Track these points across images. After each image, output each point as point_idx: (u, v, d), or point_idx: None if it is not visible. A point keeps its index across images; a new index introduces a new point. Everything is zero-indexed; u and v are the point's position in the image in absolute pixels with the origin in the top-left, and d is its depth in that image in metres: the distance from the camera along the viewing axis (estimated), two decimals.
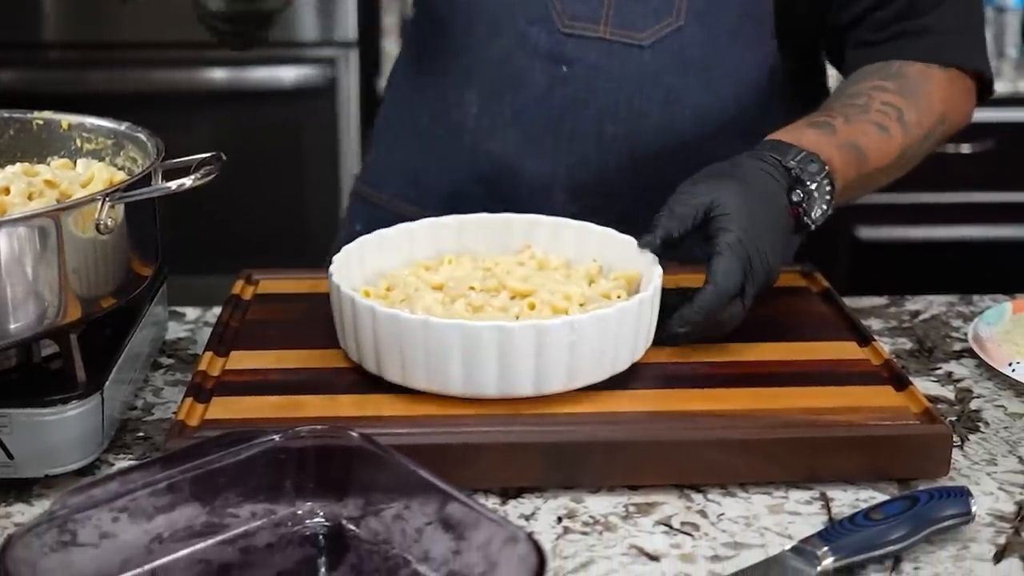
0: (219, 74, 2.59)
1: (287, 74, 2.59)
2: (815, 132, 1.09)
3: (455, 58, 1.27)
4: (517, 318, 0.96)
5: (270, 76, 2.60)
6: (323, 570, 0.80)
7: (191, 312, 1.21)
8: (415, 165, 1.32)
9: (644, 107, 1.20)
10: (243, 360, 0.99)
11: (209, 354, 0.99)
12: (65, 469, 0.88)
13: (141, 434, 0.97)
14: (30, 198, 0.95)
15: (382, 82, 2.16)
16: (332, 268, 0.98)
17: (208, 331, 1.13)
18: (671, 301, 0.98)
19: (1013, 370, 1.05)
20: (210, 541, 0.80)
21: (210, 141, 2.59)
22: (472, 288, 1.00)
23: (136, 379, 1.01)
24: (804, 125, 1.10)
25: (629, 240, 1.05)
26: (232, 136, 2.64)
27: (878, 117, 1.13)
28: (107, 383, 0.91)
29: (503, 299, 0.99)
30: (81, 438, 0.88)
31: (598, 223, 1.08)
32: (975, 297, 1.27)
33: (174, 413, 0.99)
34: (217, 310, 1.17)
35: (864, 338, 1.04)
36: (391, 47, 2.74)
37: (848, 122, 1.11)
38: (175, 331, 1.16)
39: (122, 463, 0.93)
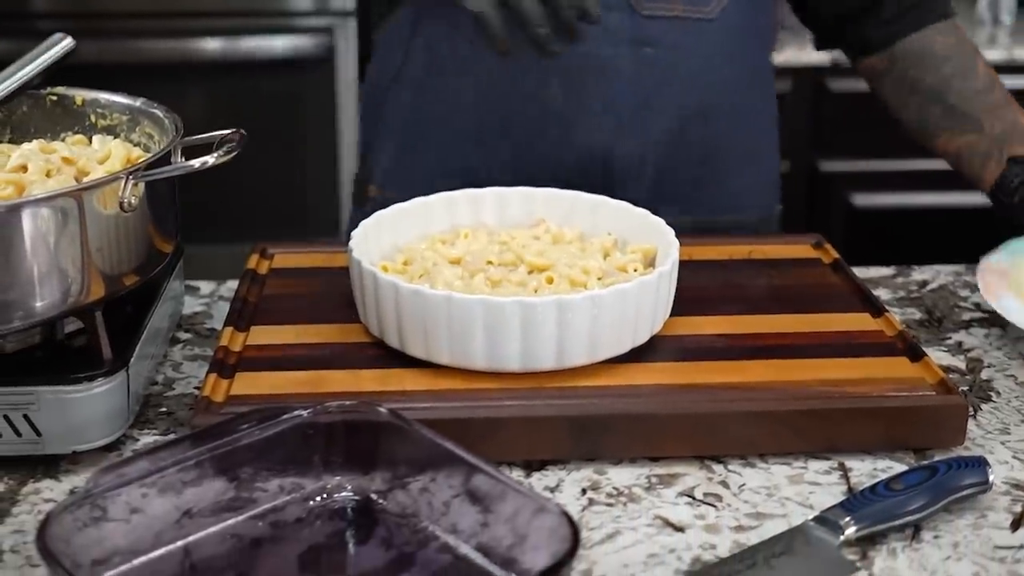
0: (212, 44, 2.57)
1: (281, 44, 2.57)
2: None
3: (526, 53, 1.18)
4: (536, 292, 0.97)
5: (264, 46, 2.58)
6: (352, 543, 0.81)
7: (205, 286, 1.21)
8: (467, 164, 1.28)
9: (713, 76, 1.28)
10: (264, 335, 1.00)
11: (230, 329, 1.00)
12: (92, 445, 0.89)
13: (164, 409, 0.98)
14: (48, 175, 0.95)
15: None
16: (352, 243, 0.99)
17: (223, 305, 1.14)
18: None
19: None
20: (240, 516, 0.80)
21: (204, 112, 2.58)
22: (490, 262, 1.01)
23: (157, 354, 1.02)
24: None
25: (643, 213, 1.06)
26: (226, 107, 2.62)
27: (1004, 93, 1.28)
28: (132, 359, 0.91)
29: (521, 273, 0.99)
30: (108, 414, 0.89)
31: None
32: None
33: (196, 388, 1.00)
34: (231, 284, 1.18)
35: (877, 309, 1.05)
36: None
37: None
38: (191, 305, 1.16)
39: (147, 438, 0.94)
